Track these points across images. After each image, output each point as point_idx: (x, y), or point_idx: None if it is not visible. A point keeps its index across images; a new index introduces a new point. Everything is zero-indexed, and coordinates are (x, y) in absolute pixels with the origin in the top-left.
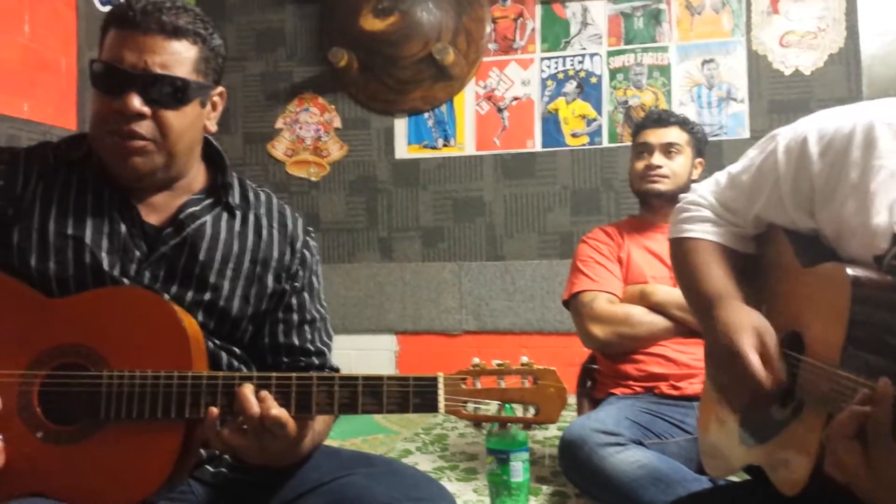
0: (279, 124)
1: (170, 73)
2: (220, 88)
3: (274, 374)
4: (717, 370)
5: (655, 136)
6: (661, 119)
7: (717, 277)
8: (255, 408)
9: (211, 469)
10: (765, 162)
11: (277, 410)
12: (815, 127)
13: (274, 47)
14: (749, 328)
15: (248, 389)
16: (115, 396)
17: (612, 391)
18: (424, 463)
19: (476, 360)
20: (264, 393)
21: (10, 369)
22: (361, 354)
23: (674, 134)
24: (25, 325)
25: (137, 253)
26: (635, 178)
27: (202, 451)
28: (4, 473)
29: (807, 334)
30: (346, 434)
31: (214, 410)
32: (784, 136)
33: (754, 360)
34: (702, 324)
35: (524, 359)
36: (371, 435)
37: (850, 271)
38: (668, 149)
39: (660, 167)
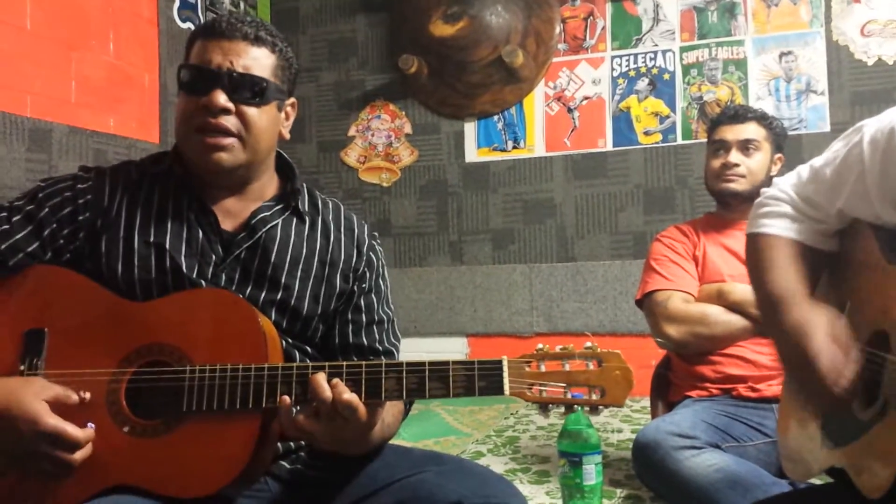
0: (352, 132)
1: (252, 73)
2: (292, 99)
3: (345, 363)
4: (790, 372)
5: (732, 133)
6: (738, 115)
7: (789, 277)
8: (327, 392)
9: (287, 465)
10: (849, 154)
11: (349, 395)
12: None
13: (346, 57)
14: (818, 330)
15: (320, 377)
16: (196, 389)
17: (688, 394)
18: (496, 465)
19: (540, 345)
20: (336, 380)
21: (101, 368)
22: (433, 357)
23: (751, 130)
24: (114, 327)
25: (214, 257)
26: (711, 176)
27: (279, 444)
28: (92, 465)
29: (893, 333)
30: (418, 436)
31: (287, 399)
32: (870, 127)
33: (825, 365)
34: (767, 325)
35: (588, 343)
36: (443, 437)
37: None
38: (745, 146)
39: (737, 165)
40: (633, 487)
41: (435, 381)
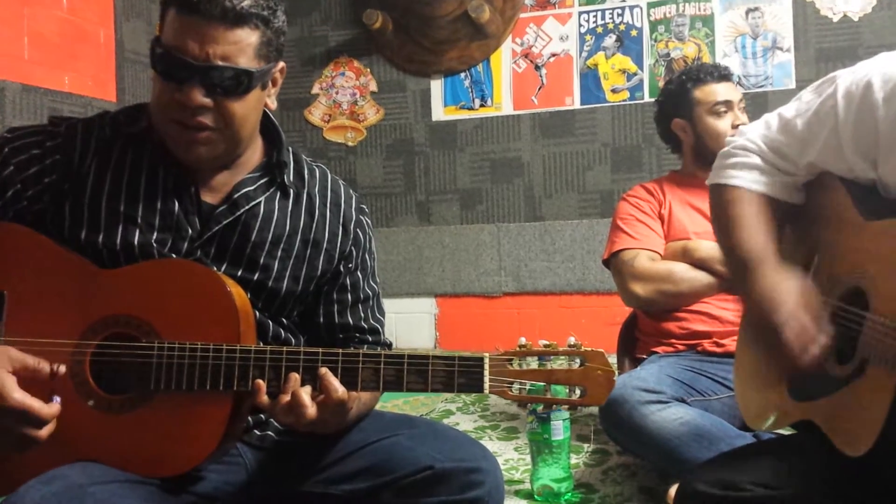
0: (315, 90)
1: (231, 65)
2: (280, 64)
3: (321, 350)
4: (755, 337)
5: (730, 93)
6: (725, 74)
7: (758, 236)
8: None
9: (258, 433)
10: (822, 106)
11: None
12: (879, 70)
13: (308, 11)
14: (789, 298)
15: (295, 379)
16: (165, 367)
17: (654, 350)
18: (465, 423)
19: (522, 340)
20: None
21: (63, 338)
22: (401, 318)
23: (737, 89)
24: (78, 294)
25: (190, 231)
26: (718, 137)
27: (249, 417)
28: (56, 440)
29: (872, 291)
30: (388, 396)
31: (261, 383)
32: (844, 79)
33: (791, 336)
34: (737, 286)
35: (571, 339)
36: (412, 396)
37: None
38: (739, 105)
39: (744, 124)
40: (600, 442)
41: (413, 374)
